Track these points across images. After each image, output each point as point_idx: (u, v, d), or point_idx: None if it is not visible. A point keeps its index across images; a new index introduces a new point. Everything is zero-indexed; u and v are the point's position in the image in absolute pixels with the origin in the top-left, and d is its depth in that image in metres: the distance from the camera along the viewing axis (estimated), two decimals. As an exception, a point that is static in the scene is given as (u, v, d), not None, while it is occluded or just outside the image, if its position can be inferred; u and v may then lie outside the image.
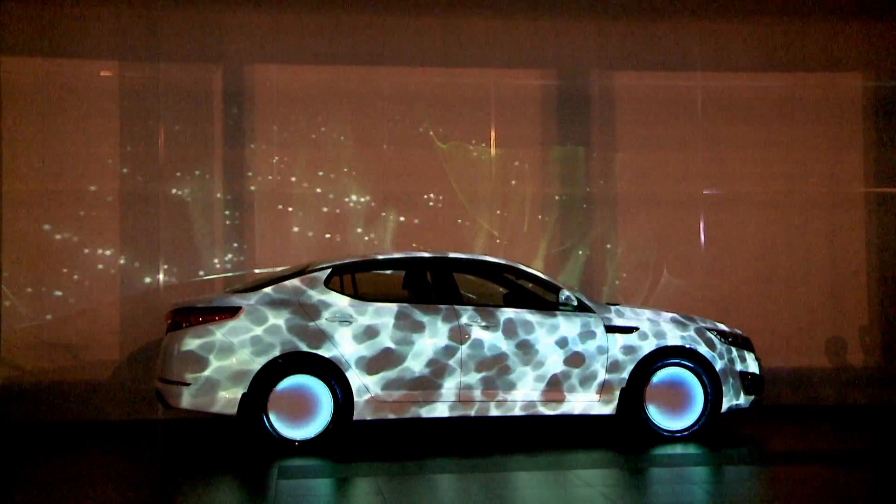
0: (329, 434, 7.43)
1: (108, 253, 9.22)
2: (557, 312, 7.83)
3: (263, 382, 7.36)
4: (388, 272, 8.84)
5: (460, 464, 7.13)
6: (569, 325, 7.78)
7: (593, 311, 7.86)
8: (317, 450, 7.35)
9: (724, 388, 7.82)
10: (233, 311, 7.48)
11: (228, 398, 7.35)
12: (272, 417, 7.38)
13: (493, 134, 9.74)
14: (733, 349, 8.00)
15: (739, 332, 8.27)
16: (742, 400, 7.95)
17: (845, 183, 10.07)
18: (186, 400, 7.43)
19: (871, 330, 10.04)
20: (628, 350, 7.78)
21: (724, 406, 7.84)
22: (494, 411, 7.66)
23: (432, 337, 7.60)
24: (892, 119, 10.14)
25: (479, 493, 6.30)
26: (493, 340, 7.65)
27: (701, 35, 9.99)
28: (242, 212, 9.45)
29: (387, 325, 7.60)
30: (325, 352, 7.45)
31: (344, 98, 9.63)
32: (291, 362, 7.43)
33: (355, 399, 7.46)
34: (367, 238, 9.49)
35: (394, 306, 7.77)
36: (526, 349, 7.69)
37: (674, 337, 7.86)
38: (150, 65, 9.35)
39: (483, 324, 7.67)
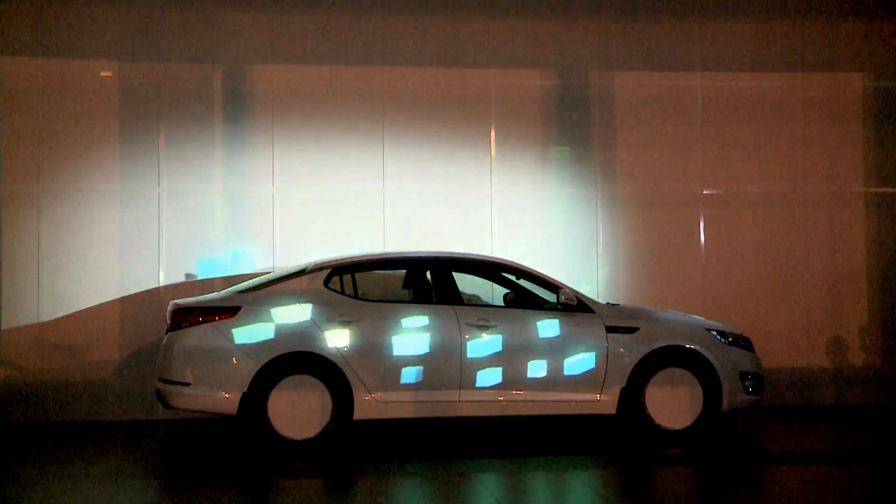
0: (329, 434, 7.43)
1: (108, 253, 9.21)
2: (558, 312, 7.83)
3: (263, 382, 7.36)
4: (388, 272, 8.84)
5: (460, 464, 7.13)
6: (569, 325, 7.78)
7: (593, 311, 7.86)
8: (317, 450, 7.36)
9: (723, 388, 7.82)
10: (233, 311, 7.48)
11: (228, 398, 7.35)
12: (272, 417, 7.38)
13: (492, 134, 9.74)
14: (733, 349, 8.00)
15: (739, 332, 8.27)
16: (742, 400, 7.94)
17: (845, 183, 10.06)
18: (186, 400, 7.44)
19: (871, 330, 10.03)
20: (628, 350, 7.77)
21: (724, 406, 7.84)
22: (494, 411, 7.66)
23: (432, 337, 7.60)
24: (892, 119, 10.14)
25: (479, 494, 6.30)
26: (493, 340, 7.65)
27: (701, 35, 9.99)
28: (242, 211, 9.45)
29: (387, 325, 7.60)
30: (324, 351, 7.45)
31: (344, 98, 9.63)
32: (291, 362, 7.44)
33: (355, 399, 7.46)
34: (366, 237, 9.47)
35: (394, 306, 7.78)
36: (526, 349, 7.69)
37: (674, 337, 7.86)
38: (150, 65, 9.36)
39: (483, 323, 7.66)
